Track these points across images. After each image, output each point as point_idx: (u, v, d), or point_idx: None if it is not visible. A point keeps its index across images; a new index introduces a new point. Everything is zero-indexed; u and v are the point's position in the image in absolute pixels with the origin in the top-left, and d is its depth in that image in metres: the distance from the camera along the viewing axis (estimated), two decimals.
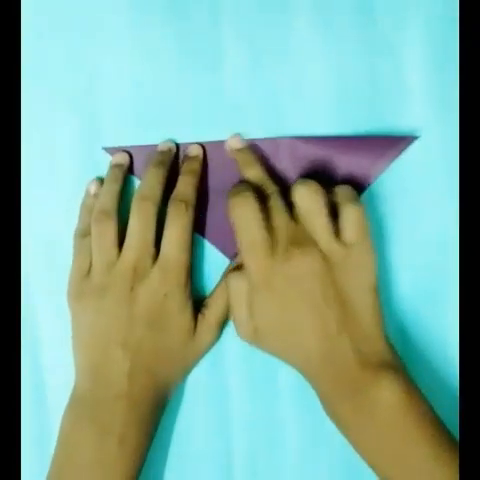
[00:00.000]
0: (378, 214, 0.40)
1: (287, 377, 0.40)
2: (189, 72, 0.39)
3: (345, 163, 0.39)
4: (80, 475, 0.35)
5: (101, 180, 0.40)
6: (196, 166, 0.39)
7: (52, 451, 0.37)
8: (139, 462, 0.36)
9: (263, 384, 0.41)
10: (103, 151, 0.40)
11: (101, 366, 0.36)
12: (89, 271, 0.37)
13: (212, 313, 0.38)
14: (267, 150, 0.39)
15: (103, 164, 0.40)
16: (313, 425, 0.41)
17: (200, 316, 0.38)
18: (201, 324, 0.38)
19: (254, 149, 0.39)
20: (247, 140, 0.39)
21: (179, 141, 0.40)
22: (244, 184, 0.37)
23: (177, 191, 0.38)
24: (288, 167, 0.39)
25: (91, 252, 0.37)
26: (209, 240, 0.40)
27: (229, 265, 0.39)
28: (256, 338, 0.36)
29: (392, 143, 0.39)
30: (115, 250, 0.37)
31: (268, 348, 0.37)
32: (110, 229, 0.37)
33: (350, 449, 0.41)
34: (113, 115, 0.40)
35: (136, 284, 0.36)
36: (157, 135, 0.40)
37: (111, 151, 0.40)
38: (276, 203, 0.36)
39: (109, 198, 0.38)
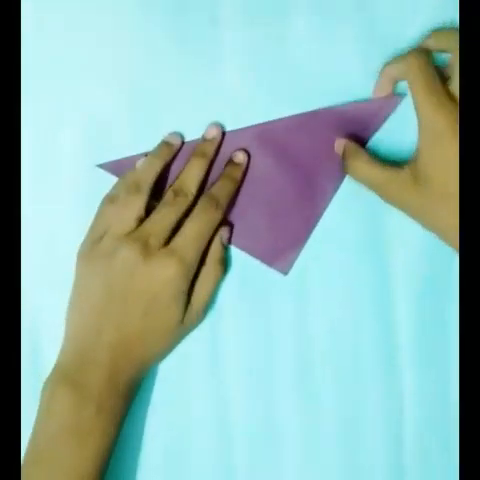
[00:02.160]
0: None
1: (287, 378, 0.41)
2: (189, 73, 0.40)
3: (337, 131, 0.39)
4: (56, 440, 0.35)
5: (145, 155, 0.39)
6: (237, 173, 0.39)
7: None
8: (115, 433, 0.36)
9: (263, 385, 0.41)
10: (103, 152, 0.40)
11: (88, 332, 0.37)
12: (102, 237, 0.37)
13: (199, 299, 0.38)
14: (259, 136, 0.40)
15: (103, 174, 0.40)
16: (313, 426, 0.41)
17: (188, 303, 0.38)
18: (189, 313, 0.38)
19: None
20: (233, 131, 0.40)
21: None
22: None
23: (212, 191, 0.38)
24: (287, 144, 0.40)
25: (111, 219, 0.38)
26: None
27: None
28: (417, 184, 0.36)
29: (380, 104, 0.39)
30: (135, 223, 0.37)
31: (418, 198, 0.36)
32: (138, 203, 0.37)
33: (349, 449, 0.41)
34: (113, 116, 0.40)
35: (140, 259, 0.36)
36: (156, 135, 0.40)
37: (107, 167, 0.40)
38: None
39: (148, 172, 0.38)
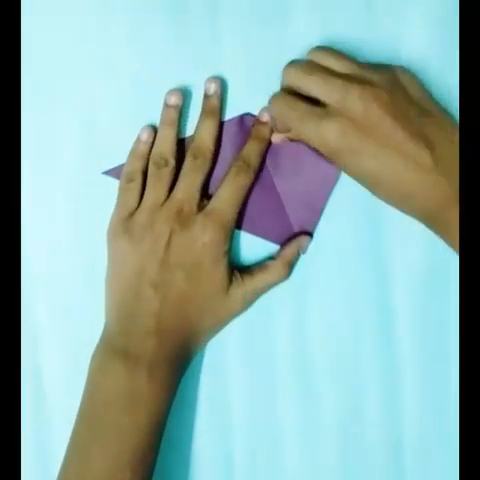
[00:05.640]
0: None
1: (287, 378, 0.41)
2: (189, 74, 0.40)
3: None
4: (109, 407, 0.36)
5: (153, 128, 0.40)
6: (265, 132, 0.39)
7: (51, 453, 0.37)
8: (168, 399, 0.37)
9: (263, 385, 0.41)
10: (103, 152, 0.40)
11: (131, 303, 0.37)
12: (132, 213, 0.38)
13: (254, 283, 0.39)
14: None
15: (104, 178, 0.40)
16: (313, 427, 0.41)
17: (239, 279, 0.39)
18: (236, 287, 0.39)
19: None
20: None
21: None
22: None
23: (242, 153, 0.39)
24: None
25: (136, 195, 0.38)
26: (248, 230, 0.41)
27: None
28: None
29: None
30: (166, 194, 0.38)
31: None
32: (166, 174, 0.38)
33: (349, 450, 0.41)
34: (112, 117, 0.40)
35: (177, 227, 0.37)
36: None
37: (110, 173, 0.40)
38: None
39: (167, 143, 0.39)
